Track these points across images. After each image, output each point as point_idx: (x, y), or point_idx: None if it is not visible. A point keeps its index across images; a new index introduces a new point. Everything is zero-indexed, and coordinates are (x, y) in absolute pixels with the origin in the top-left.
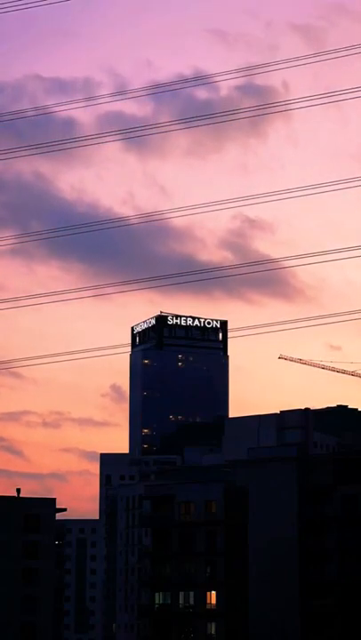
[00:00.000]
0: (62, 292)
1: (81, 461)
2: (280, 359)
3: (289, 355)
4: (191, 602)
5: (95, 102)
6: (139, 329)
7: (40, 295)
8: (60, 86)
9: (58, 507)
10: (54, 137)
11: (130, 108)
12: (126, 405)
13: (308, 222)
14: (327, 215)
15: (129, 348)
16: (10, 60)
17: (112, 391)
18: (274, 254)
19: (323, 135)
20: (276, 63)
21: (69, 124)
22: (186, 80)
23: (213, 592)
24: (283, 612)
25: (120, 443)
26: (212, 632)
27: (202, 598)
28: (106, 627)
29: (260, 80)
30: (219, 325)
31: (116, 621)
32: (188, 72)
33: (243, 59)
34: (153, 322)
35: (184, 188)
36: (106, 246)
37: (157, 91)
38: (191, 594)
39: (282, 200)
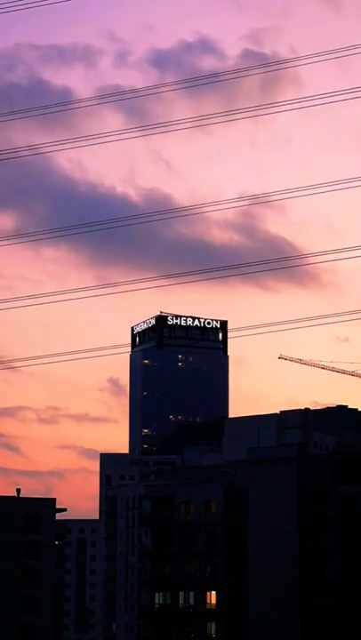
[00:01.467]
0: (64, 292)
1: (79, 459)
2: (280, 359)
3: (290, 354)
4: (191, 602)
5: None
6: (139, 329)
7: (43, 295)
8: (60, 54)
9: (57, 506)
10: (51, 108)
11: (130, 78)
12: (125, 400)
13: (319, 199)
14: (338, 191)
15: (129, 348)
16: (1, 28)
17: (110, 385)
18: (287, 235)
19: (335, 106)
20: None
21: (66, 95)
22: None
23: (213, 592)
24: (283, 612)
25: (119, 439)
26: (212, 632)
27: (202, 598)
28: (106, 627)
29: (268, 47)
30: (219, 325)
31: (116, 621)
32: (191, 39)
33: (251, 24)
34: (153, 322)
35: (190, 164)
36: (115, 231)
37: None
38: (191, 594)
39: (292, 178)
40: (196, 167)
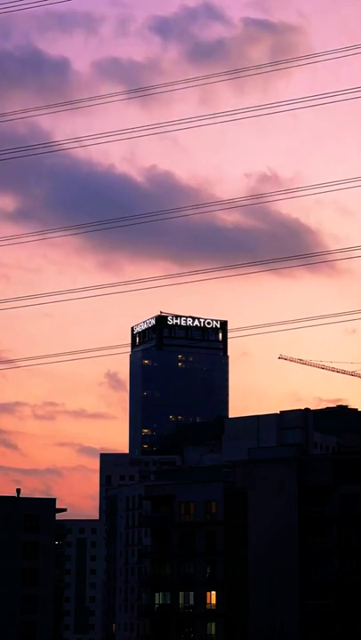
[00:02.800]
0: (66, 292)
1: (77, 456)
2: (280, 359)
3: (294, 347)
4: (191, 602)
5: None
6: (139, 329)
7: (46, 294)
8: (57, 21)
9: (56, 503)
10: (47, 80)
11: (131, 48)
12: (123, 395)
13: (329, 178)
14: (352, 168)
15: (129, 349)
16: None
17: (108, 380)
18: (300, 216)
19: (347, 82)
20: None
21: (63, 66)
22: None
23: (213, 592)
24: (283, 612)
25: (117, 435)
26: (212, 632)
27: (202, 598)
28: (106, 627)
29: (275, 15)
30: (219, 325)
31: (116, 621)
32: (194, 4)
33: None
34: (153, 322)
35: (196, 142)
36: (119, 211)
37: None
38: (191, 594)
39: (304, 153)
40: (200, 144)
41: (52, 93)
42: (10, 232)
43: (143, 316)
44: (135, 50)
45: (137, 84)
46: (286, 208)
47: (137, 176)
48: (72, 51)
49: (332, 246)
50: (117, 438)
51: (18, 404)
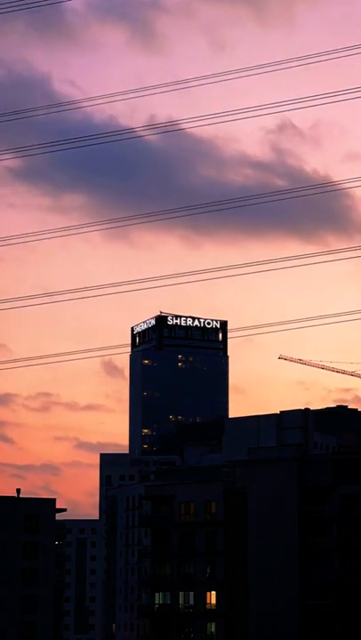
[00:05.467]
0: (66, 292)
1: (75, 450)
2: (280, 359)
3: (293, 349)
4: (191, 602)
5: None
6: (139, 329)
7: (34, 296)
8: None
9: (56, 503)
10: (41, 19)
11: None
12: (121, 383)
13: (355, 128)
14: None
15: (129, 349)
16: None
17: (105, 368)
18: (330, 173)
19: None
20: None
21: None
22: None
23: (213, 592)
24: (283, 612)
25: (115, 428)
26: (212, 632)
27: (202, 598)
28: (106, 627)
29: None
30: (219, 325)
31: (115, 621)
32: None
33: None
34: (153, 322)
35: (207, 89)
36: (127, 168)
37: None
38: (191, 594)
39: (315, 106)
40: (208, 92)
41: (51, 34)
42: (18, 191)
43: (143, 316)
44: None
45: (141, 22)
46: (314, 164)
47: (140, 127)
48: None
49: None
50: (115, 432)
51: (9, 395)
